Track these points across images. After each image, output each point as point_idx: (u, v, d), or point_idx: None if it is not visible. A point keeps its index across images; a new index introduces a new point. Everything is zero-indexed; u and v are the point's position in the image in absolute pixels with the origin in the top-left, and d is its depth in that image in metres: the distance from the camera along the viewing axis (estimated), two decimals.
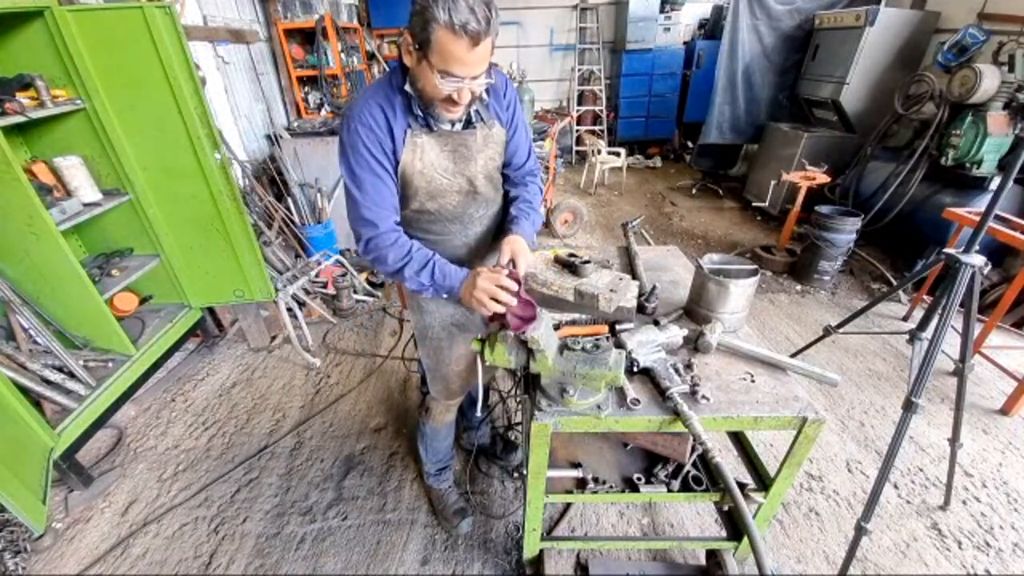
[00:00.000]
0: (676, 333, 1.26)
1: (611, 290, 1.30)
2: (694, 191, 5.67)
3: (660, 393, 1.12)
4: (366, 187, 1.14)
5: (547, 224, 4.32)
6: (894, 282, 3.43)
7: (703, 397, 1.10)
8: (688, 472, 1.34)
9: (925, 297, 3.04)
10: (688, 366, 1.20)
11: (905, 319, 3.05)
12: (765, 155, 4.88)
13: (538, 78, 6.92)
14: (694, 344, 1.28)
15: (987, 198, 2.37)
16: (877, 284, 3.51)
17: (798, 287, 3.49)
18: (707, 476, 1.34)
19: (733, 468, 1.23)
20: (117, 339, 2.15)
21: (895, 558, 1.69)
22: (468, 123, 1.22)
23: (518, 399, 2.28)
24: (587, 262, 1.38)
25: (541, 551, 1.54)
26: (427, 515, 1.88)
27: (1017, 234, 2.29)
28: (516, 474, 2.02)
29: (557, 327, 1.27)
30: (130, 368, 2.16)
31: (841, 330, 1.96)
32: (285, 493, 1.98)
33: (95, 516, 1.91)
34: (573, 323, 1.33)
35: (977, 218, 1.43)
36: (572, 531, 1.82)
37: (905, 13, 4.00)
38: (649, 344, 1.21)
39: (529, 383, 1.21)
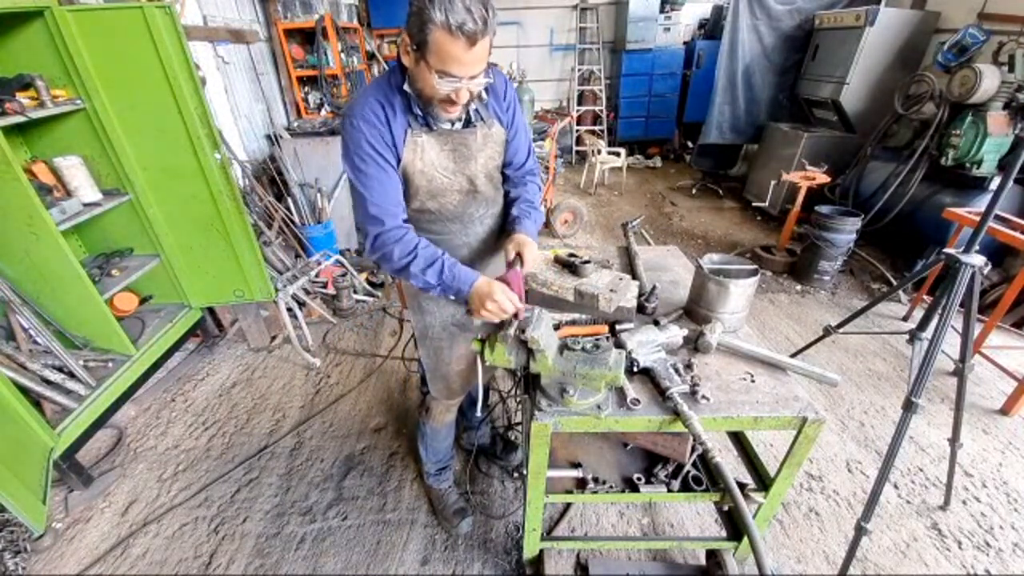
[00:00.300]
0: (676, 333, 1.26)
1: (611, 290, 1.30)
2: (694, 191, 5.66)
3: (660, 393, 1.12)
4: (371, 184, 1.13)
5: (547, 224, 4.32)
6: (894, 282, 3.43)
7: (703, 397, 1.10)
8: (688, 472, 1.34)
9: (925, 297, 3.04)
10: (688, 366, 1.21)
11: (905, 319, 3.05)
12: (765, 155, 4.88)
13: (538, 78, 6.92)
14: (694, 344, 1.28)
15: (987, 198, 2.37)
16: (877, 284, 3.51)
17: (798, 287, 3.49)
18: (707, 476, 1.34)
19: (733, 468, 1.23)
20: (117, 339, 2.15)
21: (895, 558, 1.69)
22: (468, 122, 1.22)
23: (518, 399, 2.28)
24: (587, 262, 1.38)
25: (541, 551, 1.54)
26: (427, 515, 1.88)
27: (1017, 234, 2.29)
28: (516, 474, 2.02)
29: (557, 327, 1.27)
30: (130, 368, 2.16)
31: (841, 330, 1.96)
32: (285, 493, 1.98)
33: (95, 516, 1.91)
34: (573, 323, 1.33)
35: (977, 218, 1.43)
36: (572, 531, 1.82)
37: (905, 13, 4.00)
38: (649, 344, 1.21)
39: (529, 383, 1.21)
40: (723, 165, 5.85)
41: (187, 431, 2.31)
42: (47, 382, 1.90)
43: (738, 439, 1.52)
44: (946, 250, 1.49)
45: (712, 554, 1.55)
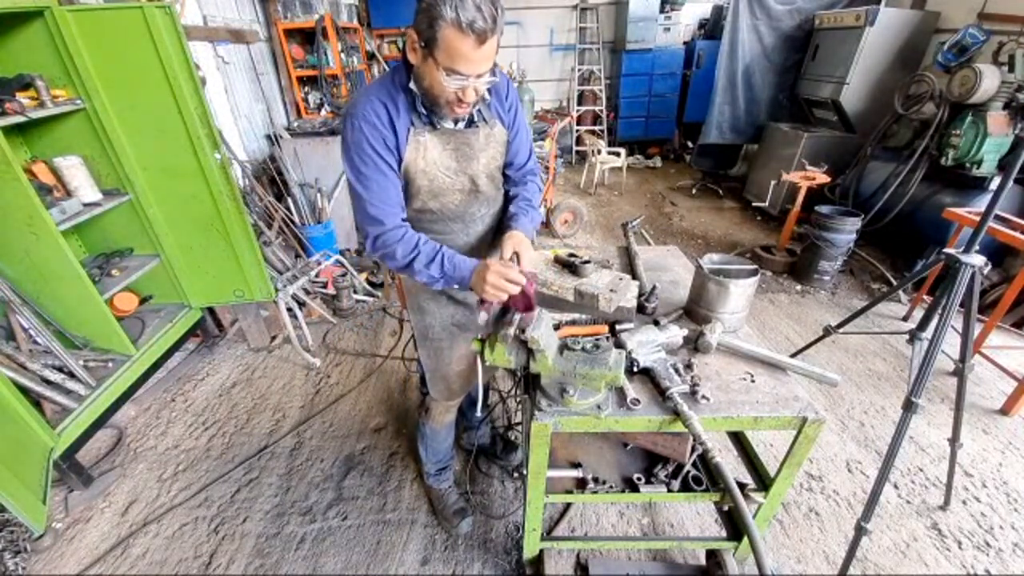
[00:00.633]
0: (676, 333, 1.26)
1: (611, 290, 1.30)
2: (694, 191, 5.66)
3: (660, 393, 1.12)
4: (371, 185, 1.13)
5: (547, 224, 4.32)
6: (894, 282, 3.43)
7: (703, 397, 1.10)
8: (688, 472, 1.34)
9: (925, 297, 3.04)
10: (688, 366, 1.20)
11: (905, 319, 3.05)
12: (765, 155, 4.88)
13: (538, 78, 6.92)
14: (694, 344, 1.28)
15: (987, 198, 2.37)
16: (877, 284, 3.51)
17: (798, 287, 3.49)
18: (707, 476, 1.34)
19: (733, 468, 1.23)
20: (117, 339, 2.15)
21: (895, 558, 1.69)
22: (470, 122, 1.22)
23: (518, 399, 2.28)
24: (587, 262, 1.38)
25: (541, 551, 1.54)
26: (427, 515, 1.88)
27: (1017, 234, 2.29)
28: (516, 474, 2.02)
29: (557, 327, 1.27)
30: (130, 368, 2.16)
31: (841, 330, 1.96)
32: (285, 493, 1.98)
33: (95, 516, 1.91)
34: (573, 323, 1.33)
35: (977, 218, 1.43)
36: (572, 531, 1.82)
37: (905, 13, 4.00)
38: (649, 344, 1.21)
39: (529, 383, 1.21)
40: (723, 165, 5.85)
41: (187, 431, 2.31)
42: (47, 382, 1.90)
43: (738, 439, 1.52)
44: (946, 250, 1.49)
45: (712, 554, 1.55)
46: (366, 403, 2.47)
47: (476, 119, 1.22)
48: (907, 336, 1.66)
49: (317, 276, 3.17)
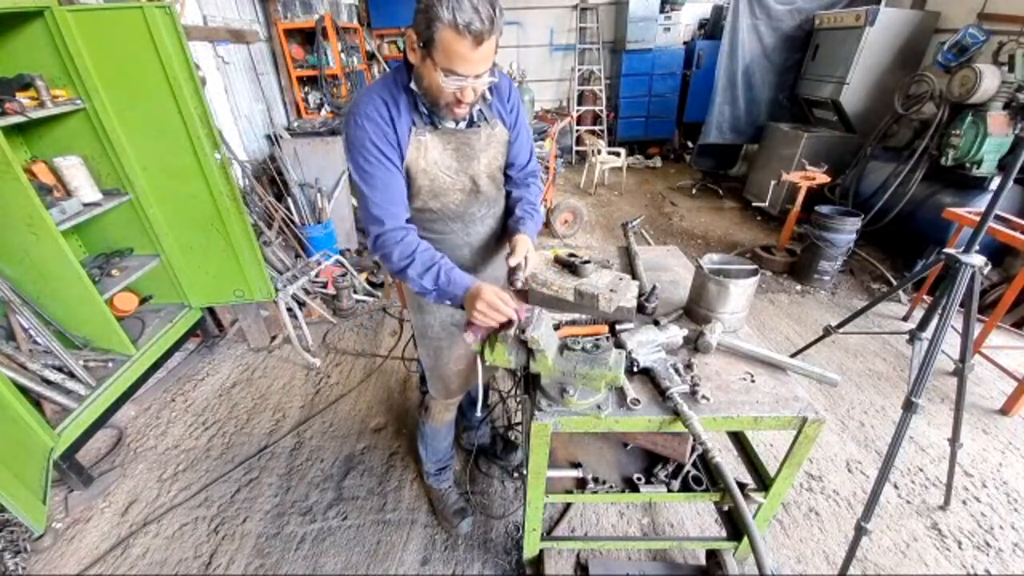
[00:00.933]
0: (676, 333, 1.26)
1: (611, 290, 1.30)
2: (694, 191, 5.66)
3: (660, 393, 1.12)
4: (375, 183, 1.12)
5: (547, 224, 4.32)
6: (894, 282, 3.43)
7: (703, 397, 1.10)
8: (688, 472, 1.34)
9: (925, 297, 3.04)
10: (688, 366, 1.20)
11: (905, 319, 3.05)
12: (765, 155, 4.88)
13: (538, 78, 6.92)
14: (694, 344, 1.28)
15: (987, 198, 2.37)
16: (877, 284, 3.51)
17: (798, 287, 3.49)
18: (707, 476, 1.34)
19: (733, 468, 1.23)
20: (117, 339, 2.15)
21: (895, 558, 1.69)
22: (471, 122, 1.22)
23: (518, 399, 2.28)
24: (587, 262, 1.38)
25: (541, 551, 1.54)
26: (427, 515, 1.88)
27: (1017, 234, 2.29)
28: (516, 474, 2.02)
29: (557, 327, 1.27)
30: (130, 368, 2.16)
31: (841, 330, 1.96)
32: (285, 493, 1.98)
33: (95, 516, 1.91)
34: (573, 323, 1.33)
35: (977, 218, 1.43)
36: (572, 531, 1.82)
37: (905, 13, 4.00)
38: (649, 344, 1.21)
39: (529, 383, 1.21)
40: (723, 165, 5.85)
41: (187, 431, 2.31)
42: (47, 382, 1.90)
43: (738, 439, 1.52)
44: (946, 250, 1.49)
45: (712, 554, 1.55)
46: (366, 403, 2.47)
47: (477, 119, 1.22)
48: (907, 336, 1.66)
49: (317, 276, 3.17)
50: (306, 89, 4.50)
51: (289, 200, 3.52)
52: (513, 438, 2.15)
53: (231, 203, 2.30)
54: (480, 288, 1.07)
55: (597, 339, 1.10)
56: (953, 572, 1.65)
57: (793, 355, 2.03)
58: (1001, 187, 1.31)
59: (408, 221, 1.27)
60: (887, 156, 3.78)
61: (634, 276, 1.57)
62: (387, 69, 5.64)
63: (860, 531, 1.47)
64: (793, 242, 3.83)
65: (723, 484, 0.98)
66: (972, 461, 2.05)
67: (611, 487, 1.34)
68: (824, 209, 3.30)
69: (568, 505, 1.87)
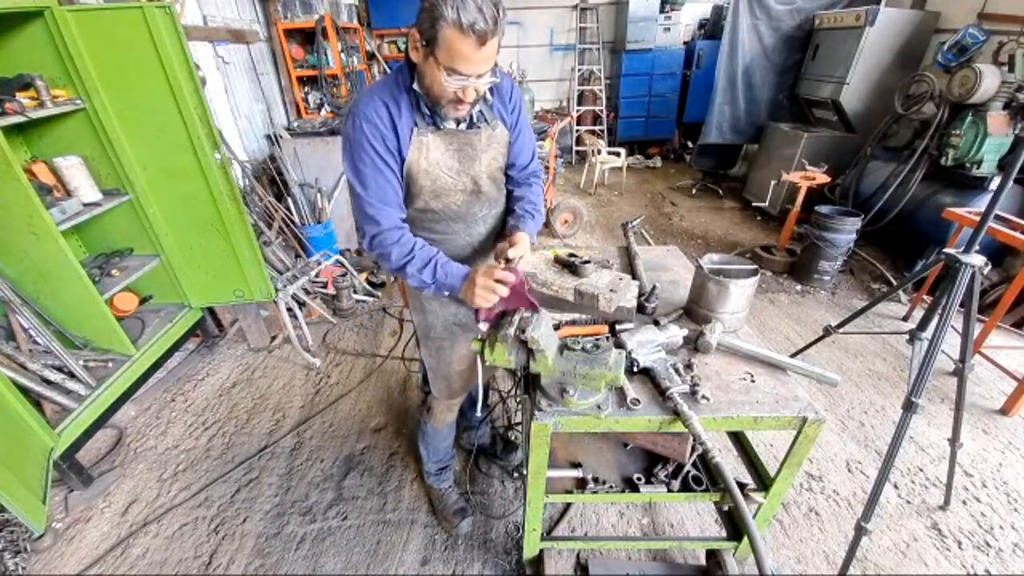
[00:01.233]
0: (676, 333, 1.26)
1: (611, 290, 1.30)
2: (694, 191, 5.66)
3: (660, 393, 1.12)
4: (369, 184, 1.14)
5: (547, 224, 4.32)
6: (894, 282, 3.43)
7: (703, 397, 1.10)
8: (688, 472, 1.34)
9: (925, 297, 3.04)
10: (688, 366, 1.21)
11: (905, 319, 3.05)
12: (765, 155, 4.88)
13: (538, 78, 6.92)
14: (694, 344, 1.28)
15: (987, 198, 2.37)
16: (877, 284, 3.51)
17: (798, 287, 3.49)
18: (707, 476, 1.34)
19: (733, 468, 1.23)
20: (117, 339, 2.15)
21: (895, 558, 1.69)
22: (472, 123, 1.22)
23: (518, 399, 2.28)
24: (587, 262, 1.38)
25: (541, 551, 1.54)
26: (427, 515, 1.88)
27: (1017, 234, 2.29)
28: (516, 474, 2.02)
29: (557, 327, 1.27)
30: (130, 368, 2.16)
31: (841, 330, 1.96)
32: (285, 493, 1.98)
33: (95, 516, 1.91)
34: (573, 323, 1.33)
35: (977, 218, 1.43)
36: (572, 531, 1.82)
37: (905, 13, 4.00)
38: (649, 344, 1.21)
39: (529, 383, 1.21)
40: (723, 165, 5.85)
41: (187, 431, 2.31)
42: (47, 382, 1.90)
43: (738, 439, 1.52)
44: (946, 250, 1.49)
45: (712, 554, 1.55)
46: (366, 403, 2.47)
47: (478, 120, 1.22)
48: (907, 336, 1.65)
49: (317, 276, 3.17)
50: (306, 89, 4.50)
51: (289, 200, 3.52)
52: (513, 438, 2.15)
53: (231, 203, 2.30)
54: (473, 274, 1.13)
55: (597, 339, 1.10)
56: (953, 572, 1.65)
57: (793, 355, 2.03)
58: (1001, 187, 1.31)
59: (410, 222, 1.27)
60: (887, 156, 3.78)
61: (634, 276, 1.57)
62: (387, 69, 5.64)
63: (860, 531, 1.47)
64: (793, 242, 3.83)
65: (723, 484, 0.98)
66: (972, 461, 2.05)
67: (611, 487, 1.34)
68: (824, 209, 3.30)
69: (568, 505, 1.87)
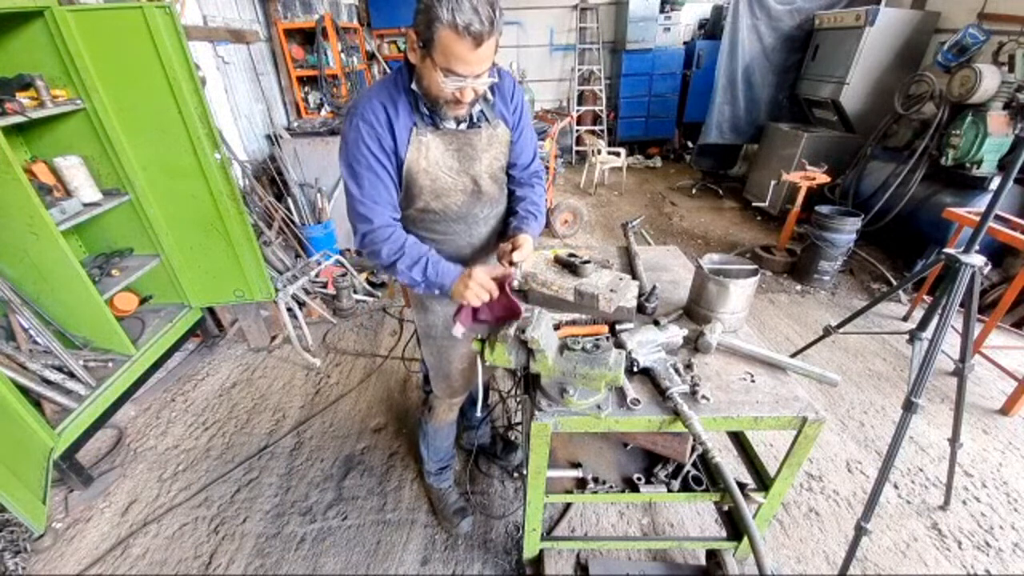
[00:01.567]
0: (676, 333, 1.26)
1: (611, 290, 1.30)
2: (694, 191, 5.66)
3: (660, 393, 1.12)
4: (363, 183, 1.15)
5: (547, 224, 4.32)
6: (894, 282, 3.43)
7: (703, 397, 1.10)
8: (688, 472, 1.34)
9: (925, 297, 3.04)
10: (688, 366, 1.20)
11: (905, 319, 3.05)
12: (765, 155, 4.88)
13: (538, 78, 6.92)
14: (694, 344, 1.28)
15: (987, 198, 2.37)
16: (877, 284, 3.51)
17: (798, 287, 3.49)
18: (707, 476, 1.34)
19: (733, 468, 1.23)
20: (117, 339, 2.15)
21: (895, 558, 1.69)
22: (472, 123, 1.22)
23: (518, 399, 2.28)
24: (587, 262, 1.37)
25: (541, 551, 1.54)
26: (427, 515, 1.88)
27: (1017, 234, 2.29)
28: (516, 474, 2.02)
29: (557, 327, 1.27)
30: (130, 368, 2.16)
31: (841, 330, 1.96)
32: (285, 493, 1.98)
33: (95, 516, 1.91)
34: (573, 323, 1.33)
35: (977, 218, 1.43)
36: (572, 531, 1.82)
37: (905, 13, 4.00)
38: (649, 344, 1.21)
39: (529, 383, 1.21)
40: (723, 165, 5.84)
41: (187, 431, 2.31)
42: (47, 382, 1.90)
43: (738, 439, 1.52)
44: (946, 250, 1.49)
45: (712, 554, 1.55)
46: (366, 403, 2.47)
47: (478, 119, 1.22)
48: (907, 336, 1.65)
49: (317, 276, 3.17)
50: (306, 89, 4.50)
51: (289, 200, 3.52)
52: (513, 438, 2.15)
53: (231, 203, 2.30)
54: (469, 270, 1.14)
55: (597, 339, 1.10)
56: (953, 572, 1.65)
57: (793, 355, 2.03)
58: (1001, 187, 1.31)
59: (411, 222, 1.27)
60: (887, 156, 3.78)
61: (634, 276, 1.57)
62: (387, 69, 5.64)
63: (860, 531, 1.47)
64: (793, 242, 3.84)
65: (723, 484, 0.98)
66: (972, 461, 2.05)
67: (611, 487, 1.34)
68: (824, 209, 3.30)
69: (568, 505, 1.87)
